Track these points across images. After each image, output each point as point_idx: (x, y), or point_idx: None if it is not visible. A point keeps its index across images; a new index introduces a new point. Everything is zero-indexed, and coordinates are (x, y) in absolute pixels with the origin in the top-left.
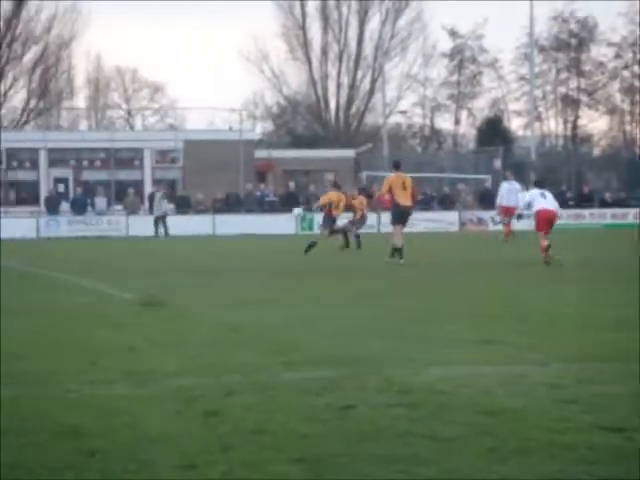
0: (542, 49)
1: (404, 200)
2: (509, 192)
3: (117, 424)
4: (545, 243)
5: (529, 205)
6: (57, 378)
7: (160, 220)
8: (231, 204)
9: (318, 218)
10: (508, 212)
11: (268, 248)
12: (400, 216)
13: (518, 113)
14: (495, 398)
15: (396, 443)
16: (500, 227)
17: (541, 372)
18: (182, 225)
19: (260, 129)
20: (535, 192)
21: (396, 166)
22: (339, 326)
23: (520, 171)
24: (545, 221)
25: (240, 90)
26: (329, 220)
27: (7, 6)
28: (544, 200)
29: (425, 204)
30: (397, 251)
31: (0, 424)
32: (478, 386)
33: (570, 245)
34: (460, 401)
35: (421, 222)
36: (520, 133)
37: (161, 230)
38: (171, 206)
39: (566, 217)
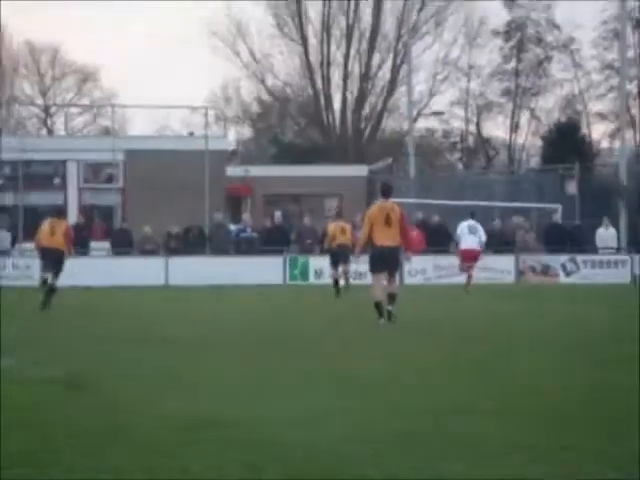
0: (639, 24)
1: (383, 239)
2: (470, 231)
3: None
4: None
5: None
6: None
7: None
8: (192, 242)
9: (315, 263)
10: (470, 256)
11: (244, 305)
12: (377, 261)
13: (602, 116)
14: None
15: None
16: (574, 279)
17: None
18: (119, 270)
19: (234, 136)
20: (464, 226)
21: (384, 193)
22: (345, 424)
23: (605, 198)
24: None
25: (205, 80)
26: (333, 257)
27: None
28: (470, 237)
29: None
30: (376, 307)
31: None
32: None
33: None
34: None
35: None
36: (605, 145)
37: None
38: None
39: None
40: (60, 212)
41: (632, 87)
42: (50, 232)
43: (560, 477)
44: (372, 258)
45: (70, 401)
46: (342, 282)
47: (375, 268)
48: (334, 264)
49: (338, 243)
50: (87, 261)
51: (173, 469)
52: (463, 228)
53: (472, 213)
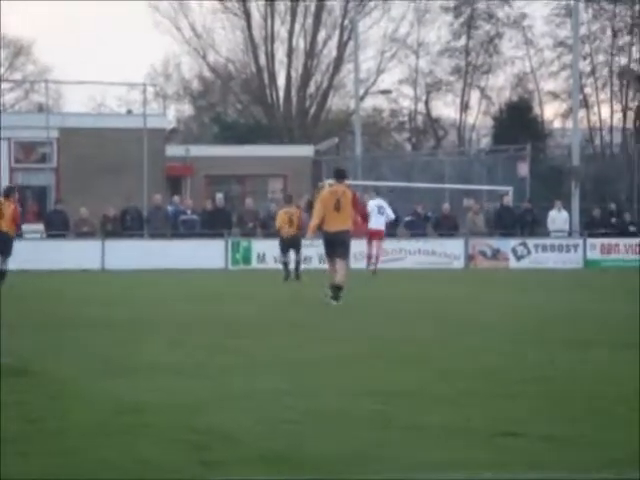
0: (592, 0)
1: (333, 225)
2: (379, 211)
3: None
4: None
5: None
6: None
7: None
8: (129, 225)
9: (258, 246)
10: (376, 237)
11: (183, 290)
12: (327, 246)
13: (555, 95)
14: None
15: None
16: (525, 264)
17: None
18: (54, 254)
19: (174, 114)
20: (373, 205)
21: (338, 176)
22: (287, 405)
23: (557, 180)
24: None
25: (144, 56)
26: (283, 245)
27: None
28: (378, 217)
29: (415, 228)
30: (332, 289)
31: None
32: None
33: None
34: None
35: (410, 255)
36: (557, 125)
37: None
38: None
39: (624, 250)
40: (8, 192)
41: (585, 65)
42: None
43: (502, 464)
44: (324, 243)
45: (7, 387)
46: (293, 267)
47: (327, 252)
48: (283, 251)
49: (286, 236)
50: (21, 244)
51: (119, 451)
52: (373, 207)
53: (377, 191)
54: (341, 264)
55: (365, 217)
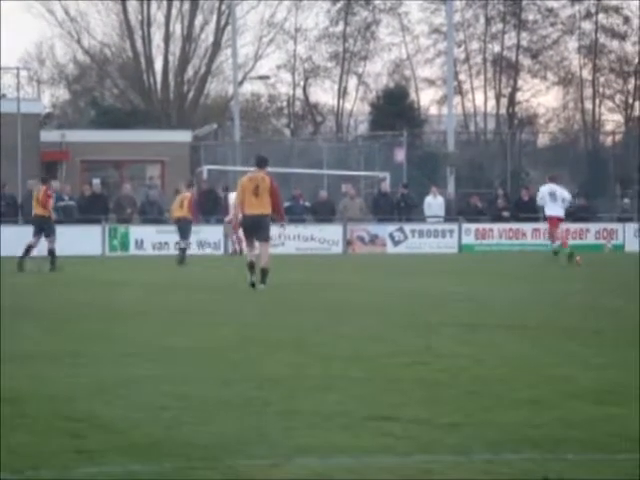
0: None
1: (252, 208)
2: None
3: None
4: None
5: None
6: None
7: None
8: (3, 211)
9: (135, 233)
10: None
11: (57, 277)
12: (246, 228)
13: (430, 82)
14: None
15: None
16: (402, 249)
17: (466, 467)
18: None
19: (48, 99)
20: (544, 190)
21: (259, 164)
22: (164, 393)
23: (433, 166)
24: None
25: (18, 40)
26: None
27: None
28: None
29: (294, 214)
30: (248, 268)
31: None
32: None
33: (502, 277)
34: None
35: (290, 241)
36: (433, 111)
37: None
38: None
39: (497, 235)
40: (46, 180)
41: (459, 52)
42: None
43: (381, 447)
44: (243, 225)
45: None
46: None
47: (246, 234)
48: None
49: (175, 217)
50: None
51: None
52: (544, 194)
53: (551, 177)
54: (264, 247)
55: (278, 207)
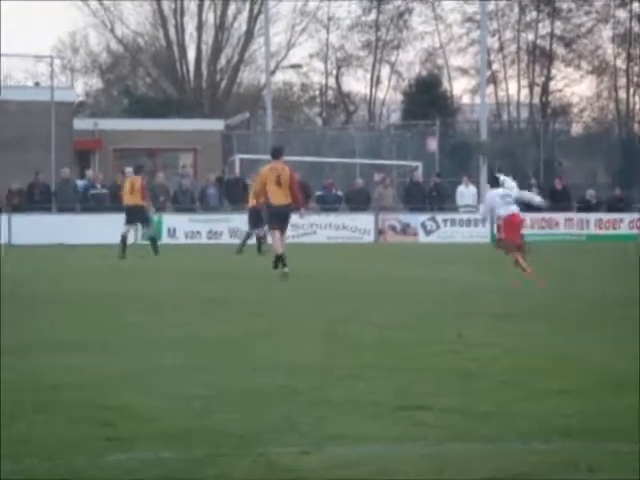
0: None
1: (277, 199)
2: None
3: None
4: None
5: None
6: None
7: None
8: (36, 199)
9: (168, 221)
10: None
11: (90, 265)
12: (274, 219)
13: (463, 71)
14: None
15: None
16: (434, 238)
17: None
18: None
19: (82, 87)
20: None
21: (274, 154)
22: (193, 382)
23: (466, 156)
24: None
25: (51, 29)
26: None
27: None
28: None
29: (326, 202)
30: (279, 259)
31: None
32: (398, 475)
33: (534, 267)
34: None
35: (322, 230)
36: (466, 100)
37: None
38: None
39: (530, 224)
40: (138, 170)
41: (493, 41)
42: None
43: (411, 437)
44: (269, 216)
45: None
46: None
47: (272, 225)
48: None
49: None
50: None
51: (29, 430)
52: None
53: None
54: (283, 237)
55: (297, 196)
